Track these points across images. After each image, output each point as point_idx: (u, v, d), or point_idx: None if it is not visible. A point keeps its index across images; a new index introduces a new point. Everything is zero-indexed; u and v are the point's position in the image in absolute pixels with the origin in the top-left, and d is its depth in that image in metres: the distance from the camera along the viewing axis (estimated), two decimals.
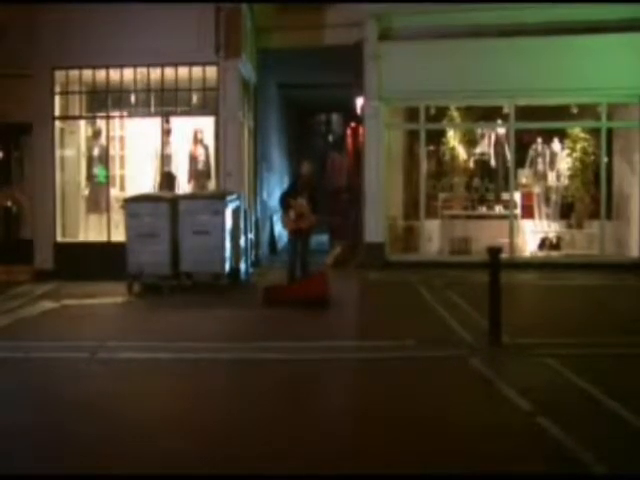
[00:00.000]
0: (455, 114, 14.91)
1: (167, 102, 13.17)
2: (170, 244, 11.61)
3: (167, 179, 13.46)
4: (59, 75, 13.28)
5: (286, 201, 11.33)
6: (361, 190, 14.71)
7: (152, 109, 13.30)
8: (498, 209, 14.73)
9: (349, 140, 22.30)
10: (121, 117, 13.64)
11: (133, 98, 13.29)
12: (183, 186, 13.63)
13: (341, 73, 15.46)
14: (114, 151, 13.86)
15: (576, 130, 14.72)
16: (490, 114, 14.87)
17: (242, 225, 12.76)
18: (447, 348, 7.99)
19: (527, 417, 5.78)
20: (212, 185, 13.40)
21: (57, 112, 13.36)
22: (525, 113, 14.26)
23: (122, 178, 14.06)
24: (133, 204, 11.75)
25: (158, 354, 7.89)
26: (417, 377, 7.04)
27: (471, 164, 15.14)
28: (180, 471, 4.83)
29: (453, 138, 15.08)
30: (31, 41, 12.70)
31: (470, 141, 15.17)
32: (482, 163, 15.05)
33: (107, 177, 13.51)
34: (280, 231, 16.69)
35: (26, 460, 5.07)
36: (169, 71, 12.97)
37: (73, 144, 13.88)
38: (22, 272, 12.86)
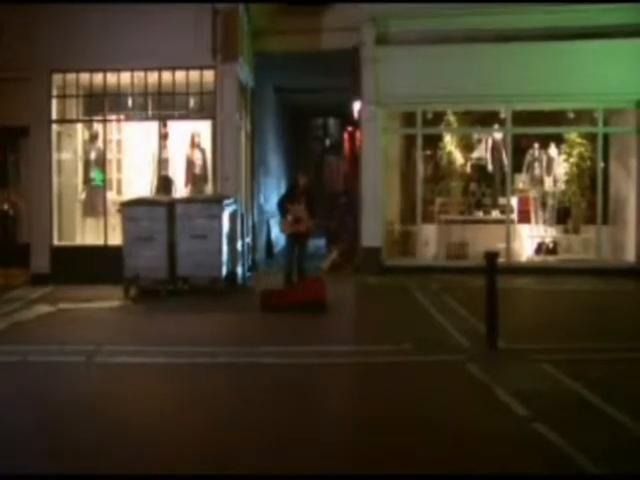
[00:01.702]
0: (452, 119, 14.92)
1: (164, 106, 13.15)
2: (167, 248, 11.60)
3: (164, 183, 13.45)
4: (56, 78, 13.27)
5: (284, 205, 11.34)
6: (358, 194, 14.72)
7: (149, 113, 13.30)
8: (495, 214, 14.73)
9: (346, 144, 22.32)
10: (118, 121, 13.62)
11: (130, 101, 13.29)
12: (180, 190, 13.60)
13: (338, 77, 15.47)
14: (111, 154, 13.83)
15: (573, 135, 14.74)
16: (487, 119, 14.89)
17: (239, 229, 12.77)
18: (444, 353, 8.00)
19: (523, 422, 5.78)
20: (209, 189, 13.39)
21: (54, 115, 13.35)
22: (522, 118, 14.28)
23: (119, 182, 14.03)
24: (130, 208, 11.75)
25: (154, 358, 7.88)
26: (413, 382, 7.04)
27: (468, 169, 15.16)
28: (179, 472, 4.83)
29: (450, 143, 15.10)
30: (29, 44, 12.69)
31: (467, 146, 15.19)
32: (479, 168, 15.06)
33: (104, 181, 13.49)
34: (277, 235, 16.70)
35: (23, 462, 5.06)
36: (166, 75, 12.96)
37: (70, 147, 13.86)
38: (18, 276, 12.84)
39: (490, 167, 14.93)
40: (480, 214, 14.84)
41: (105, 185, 13.49)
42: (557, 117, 14.51)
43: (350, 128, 20.53)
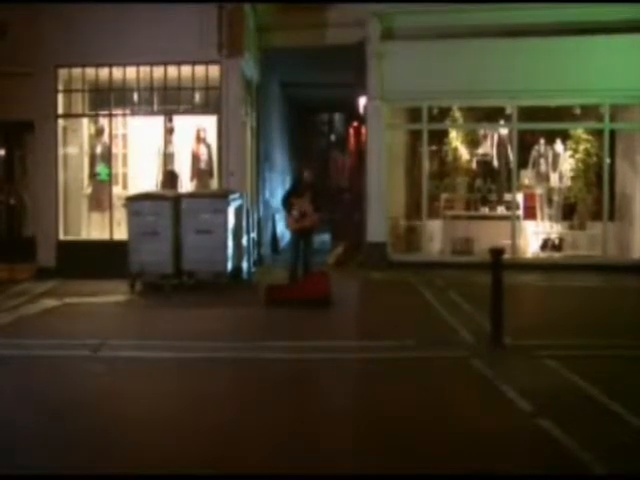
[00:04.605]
0: (458, 114, 14.90)
1: (170, 100, 13.18)
2: (172, 243, 11.61)
3: (169, 178, 13.46)
4: (62, 73, 13.30)
5: (288, 201, 11.33)
6: (363, 190, 14.71)
7: (155, 107, 13.32)
8: (500, 210, 14.72)
9: (351, 140, 22.32)
10: (124, 115, 13.66)
11: (136, 96, 13.31)
12: (185, 185, 13.63)
13: (343, 72, 15.46)
14: (117, 149, 13.88)
15: (579, 131, 14.70)
16: (493, 115, 14.87)
17: (244, 224, 12.76)
18: (448, 349, 7.99)
19: (528, 418, 5.78)
20: (214, 184, 13.40)
21: (60, 110, 13.38)
22: (528, 114, 14.26)
23: (124, 176, 14.07)
24: (135, 202, 11.76)
25: (159, 353, 7.89)
26: (418, 378, 7.04)
27: (473, 165, 15.13)
28: (180, 471, 4.83)
29: (455, 138, 15.07)
30: (34, 39, 12.71)
31: (472, 141, 15.16)
32: (484, 164, 15.03)
33: (109, 175, 13.51)
34: (282, 230, 16.70)
35: (26, 459, 5.07)
36: (172, 70, 12.98)
37: (76, 142, 13.88)
38: (24, 270, 12.86)
39: (496, 163, 14.91)
40: (485, 210, 14.83)
41: (111, 180, 13.52)
42: (563, 113, 14.49)
43: (355, 123, 20.53)
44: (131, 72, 13.10)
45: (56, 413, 6.02)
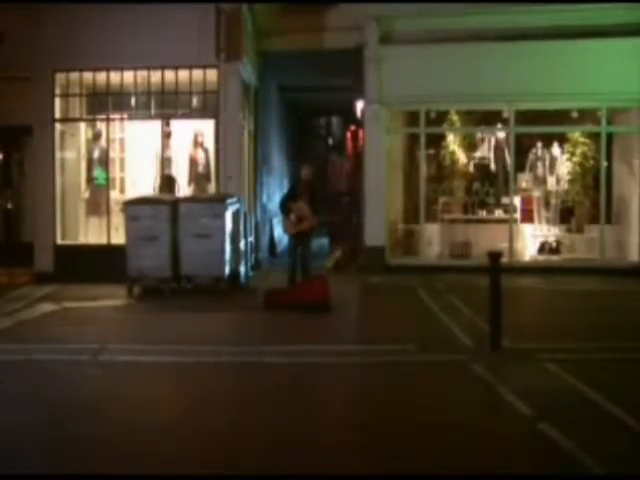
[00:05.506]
0: (455, 118, 14.94)
1: (167, 105, 13.17)
2: (170, 247, 11.61)
3: (167, 182, 13.45)
4: (59, 77, 13.29)
5: (286, 205, 11.32)
6: (361, 193, 14.72)
7: (152, 112, 13.30)
8: (498, 213, 14.74)
9: (349, 143, 22.28)
10: (121, 120, 13.63)
11: (133, 101, 13.30)
12: (183, 189, 13.62)
13: (341, 76, 15.48)
14: (114, 154, 13.86)
15: (576, 135, 14.74)
16: (490, 118, 14.89)
17: (242, 228, 12.77)
18: (447, 352, 8.00)
19: (527, 422, 5.78)
20: (212, 188, 13.40)
21: (57, 114, 13.37)
22: (525, 117, 14.29)
23: (122, 181, 14.05)
24: (133, 207, 11.75)
25: (158, 357, 7.89)
26: (417, 381, 7.04)
27: (471, 168, 15.17)
28: (180, 472, 4.83)
29: (453, 142, 15.11)
30: (32, 44, 12.70)
31: (470, 145, 15.21)
32: (482, 167, 15.08)
33: (107, 180, 13.51)
34: (280, 234, 16.70)
35: (26, 461, 5.08)
36: (169, 74, 12.97)
37: (73, 146, 13.88)
38: (22, 274, 12.84)
39: (493, 166, 14.96)
40: (483, 213, 14.85)
41: (108, 184, 13.51)
42: (560, 116, 14.50)
43: (353, 127, 20.50)
44: (129, 76, 13.09)
45: (56, 416, 6.01)
